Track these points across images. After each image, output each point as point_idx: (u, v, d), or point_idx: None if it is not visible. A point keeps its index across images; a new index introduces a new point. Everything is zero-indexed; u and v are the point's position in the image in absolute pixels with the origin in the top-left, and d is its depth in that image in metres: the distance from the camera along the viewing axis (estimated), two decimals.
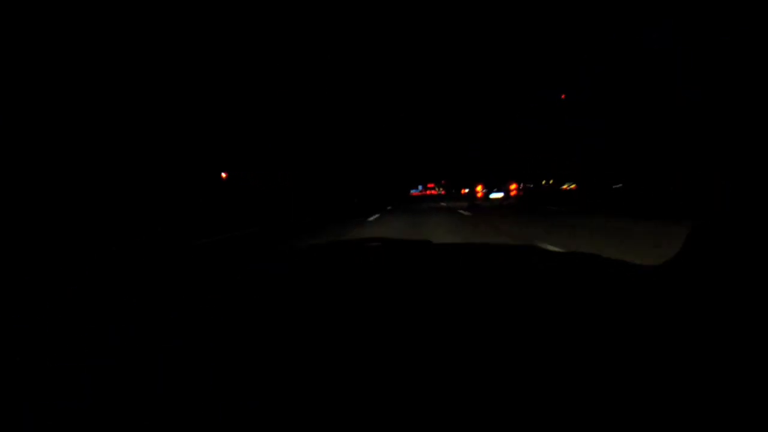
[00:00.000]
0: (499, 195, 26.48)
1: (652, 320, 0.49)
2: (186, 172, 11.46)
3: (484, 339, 0.45)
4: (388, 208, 16.64)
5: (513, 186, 24.80)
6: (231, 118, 14.02)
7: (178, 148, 11.20)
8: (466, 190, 48.69)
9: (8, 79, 6.81)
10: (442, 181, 61.23)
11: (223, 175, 13.74)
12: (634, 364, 0.39)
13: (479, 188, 28.95)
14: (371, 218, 10.22)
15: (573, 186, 24.51)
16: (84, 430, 0.34)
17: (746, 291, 0.56)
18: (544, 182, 27.12)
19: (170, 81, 10.85)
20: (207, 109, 12.64)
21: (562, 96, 27.66)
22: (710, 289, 0.60)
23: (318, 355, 0.43)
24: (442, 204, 19.88)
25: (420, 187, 53.25)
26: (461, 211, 12.11)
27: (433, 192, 53.14)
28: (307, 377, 0.39)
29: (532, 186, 26.67)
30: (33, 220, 6.04)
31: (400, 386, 0.36)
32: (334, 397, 0.35)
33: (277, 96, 17.38)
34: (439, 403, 0.35)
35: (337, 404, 0.35)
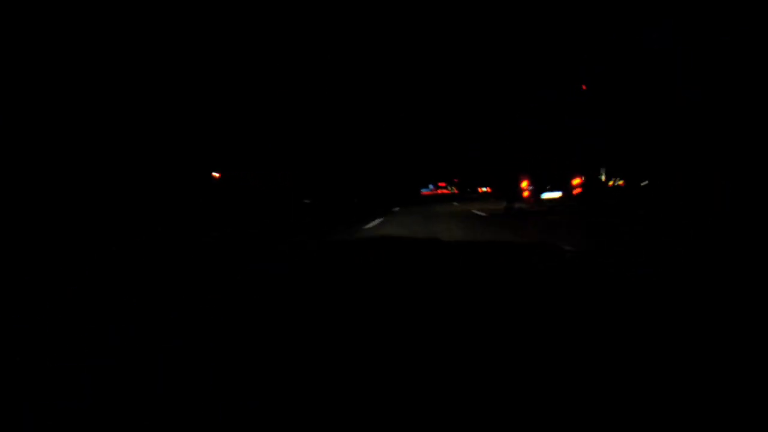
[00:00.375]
0: (556, 194, 17.11)
1: (648, 318, 0.50)
2: (186, 172, 11.46)
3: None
4: (374, 222, 8.72)
5: (577, 181, 16.60)
6: (231, 118, 14.02)
7: (180, 147, 11.19)
8: (484, 189, 42.86)
9: (7, 79, 6.81)
10: (455, 180, 58.30)
11: (216, 175, 13.64)
12: (627, 360, 0.39)
13: (525, 185, 18.99)
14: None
15: (621, 182, 21.70)
16: (84, 430, 0.34)
17: (746, 290, 0.56)
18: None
19: (170, 81, 10.85)
20: (207, 110, 12.64)
21: (583, 87, 25.82)
22: (711, 288, 0.60)
23: (316, 355, 0.43)
24: (475, 211, 12.12)
25: (431, 186, 49.99)
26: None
27: (445, 191, 49.45)
28: (306, 378, 0.39)
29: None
30: (32, 221, 6.03)
31: (397, 392, 0.36)
32: (332, 397, 0.36)
33: (277, 96, 17.37)
34: (436, 399, 0.35)
35: (335, 404, 0.35)
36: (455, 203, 18.89)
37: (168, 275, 0.89)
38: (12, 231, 5.56)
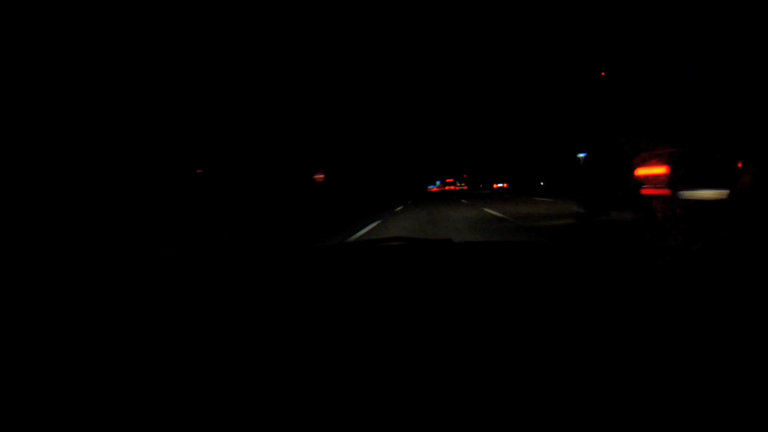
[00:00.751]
0: (716, 193, 3.63)
1: (656, 309, 0.48)
2: (183, 174, 11.44)
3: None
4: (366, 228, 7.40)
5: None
6: (240, 120, 14.02)
7: (180, 150, 11.10)
8: (499, 185, 35.60)
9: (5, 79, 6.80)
10: (464, 175, 55.36)
11: (199, 171, 13.06)
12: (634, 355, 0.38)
13: (659, 170, 4.30)
14: None
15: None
16: (85, 430, 0.33)
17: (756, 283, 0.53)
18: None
19: (178, 86, 10.92)
20: (217, 116, 12.67)
21: (602, 74, 24.57)
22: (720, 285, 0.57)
23: (319, 356, 0.42)
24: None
25: (438, 183, 48.27)
26: None
27: (453, 188, 46.94)
28: (308, 378, 0.38)
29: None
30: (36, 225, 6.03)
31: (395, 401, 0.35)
32: (334, 399, 0.35)
33: (284, 100, 17.37)
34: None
35: (339, 406, 0.34)
36: (485, 208, 10.94)
37: (169, 276, 0.89)
38: (12, 234, 5.61)
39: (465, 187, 49.78)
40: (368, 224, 7.69)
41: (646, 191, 4.52)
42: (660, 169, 4.31)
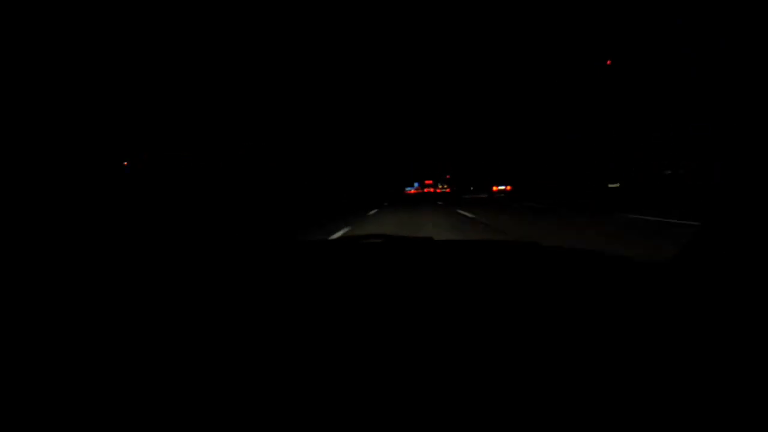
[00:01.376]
0: None
1: (646, 315, 0.50)
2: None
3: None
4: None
5: None
6: (228, 115, 13.42)
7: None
8: (500, 187, 28.71)
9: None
10: (447, 176, 51.40)
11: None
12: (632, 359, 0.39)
13: None
14: None
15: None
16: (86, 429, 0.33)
17: (746, 288, 0.55)
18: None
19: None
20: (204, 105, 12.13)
21: (608, 62, 23.05)
22: (712, 286, 0.59)
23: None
24: None
25: (416, 185, 45.22)
26: None
27: (432, 190, 42.59)
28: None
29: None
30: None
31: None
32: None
33: (262, 91, 16.25)
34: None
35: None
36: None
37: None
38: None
39: (447, 190, 41.94)
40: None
41: None
42: None
